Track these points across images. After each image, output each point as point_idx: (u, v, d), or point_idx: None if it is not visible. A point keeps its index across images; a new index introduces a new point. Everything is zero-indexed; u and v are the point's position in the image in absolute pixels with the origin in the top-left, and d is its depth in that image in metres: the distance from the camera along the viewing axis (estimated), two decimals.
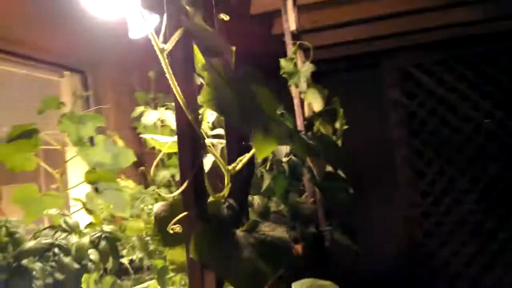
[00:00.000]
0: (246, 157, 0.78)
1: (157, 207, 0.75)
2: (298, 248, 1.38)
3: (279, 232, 0.70)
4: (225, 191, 0.77)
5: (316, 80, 1.66)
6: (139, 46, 1.21)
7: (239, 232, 0.69)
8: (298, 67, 1.54)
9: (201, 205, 0.67)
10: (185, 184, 0.66)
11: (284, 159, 1.40)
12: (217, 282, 0.65)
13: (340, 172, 1.79)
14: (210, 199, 0.79)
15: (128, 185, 1.68)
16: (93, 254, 0.96)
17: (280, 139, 0.60)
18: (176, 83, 0.60)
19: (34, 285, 0.92)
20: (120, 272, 1.04)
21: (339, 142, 1.78)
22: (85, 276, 0.90)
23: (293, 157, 1.39)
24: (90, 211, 1.29)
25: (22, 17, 1.61)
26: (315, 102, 1.72)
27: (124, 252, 1.20)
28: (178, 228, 0.64)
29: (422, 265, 3.05)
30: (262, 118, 0.58)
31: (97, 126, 1.60)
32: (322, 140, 1.64)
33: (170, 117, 1.56)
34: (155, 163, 1.55)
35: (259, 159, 0.63)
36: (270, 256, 0.65)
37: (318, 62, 1.62)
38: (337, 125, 1.73)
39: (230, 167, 0.76)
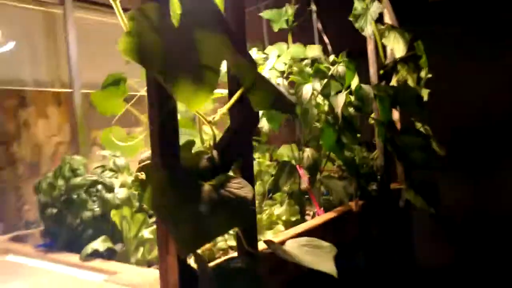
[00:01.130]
0: (224, 108, 0.75)
1: (144, 154, 0.78)
2: (352, 205, 1.30)
3: (244, 191, 0.67)
4: (207, 143, 0.76)
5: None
6: None
7: (207, 186, 0.68)
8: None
9: (167, 153, 0.67)
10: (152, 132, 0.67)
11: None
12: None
13: (423, 128, 1.61)
14: (195, 150, 0.79)
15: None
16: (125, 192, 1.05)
17: (213, 89, 0.56)
18: None
19: (81, 216, 1.06)
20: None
21: (425, 94, 1.58)
22: (113, 211, 1.00)
23: (349, 109, 1.29)
24: None
25: None
26: (396, 47, 1.54)
27: None
28: (142, 175, 0.66)
29: None
30: (194, 68, 0.55)
31: None
32: (401, 91, 1.50)
33: None
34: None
35: (192, 111, 0.59)
36: (224, 214, 0.64)
37: None
38: (422, 74, 1.53)
39: (210, 118, 0.74)
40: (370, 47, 1.50)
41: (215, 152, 0.75)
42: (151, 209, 0.63)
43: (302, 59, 1.59)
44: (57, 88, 1.81)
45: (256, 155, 1.67)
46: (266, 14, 1.80)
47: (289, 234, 1.02)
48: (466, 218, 2.61)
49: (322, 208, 1.33)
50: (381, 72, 1.51)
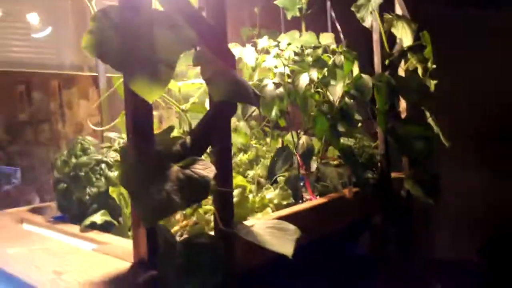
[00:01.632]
0: (195, 97, 0.81)
1: None
2: (345, 191, 1.34)
3: (207, 171, 0.73)
4: (182, 129, 0.83)
5: None
6: None
7: (175, 167, 0.75)
8: None
9: (139, 136, 0.74)
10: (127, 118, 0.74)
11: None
12: None
13: (430, 119, 1.61)
14: (173, 135, 0.87)
15: None
16: None
17: (167, 83, 0.62)
18: None
19: (88, 192, 1.16)
20: None
21: (431, 84, 1.57)
22: (111, 188, 1.09)
23: (346, 99, 1.32)
24: None
25: None
26: (404, 37, 1.54)
27: None
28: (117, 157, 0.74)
29: None
30: (149, 63, 0.62)
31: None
32: (404, 80, 1.51)
33: (247, 55, 1.61)
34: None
35: (151, 102, 0.66)
36: (186, 192, 0.71)
37: None
38: (429, 64, 1.52)
39: (183, 107, 0.81)
40: (375, 37, 1.50)
41: (188, 138, 0.82)
42: (121, 185, 0.71)
43: (316, 47, 1.62)
44: (86, 72, 1.95)
45: (267, 140, 1.73)
46: (280, 2, 1.83)
47: (272, 217, 1.08)
48: (488, 212, 2.57)
49: (317, 194, 1.38)
50: (387, 62, 1.52)
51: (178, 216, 0.98)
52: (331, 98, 1.28)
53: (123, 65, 0.60)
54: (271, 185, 1.35)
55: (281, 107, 1.33)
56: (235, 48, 1.72)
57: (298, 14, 1.82)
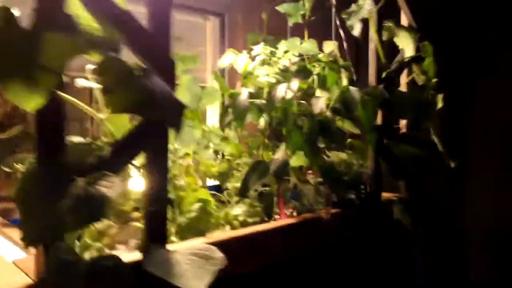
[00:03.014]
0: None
1: None
2: (323, 212, 1.23)
3: (110, 190, 0.67)
4: (98, 139, 0.77)
5: None
6: None
7: (80, 181, 0.69)
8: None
9: (45, 147, 0.69)
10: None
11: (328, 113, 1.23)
12: None
13: (434, 138, 1.46)
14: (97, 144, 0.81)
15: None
16: None
17: (48, 90, 0.56)
18: None
19: None
20: None
21: (438, 100, 1.42)
22: None
23: (328, 113, 1.21)
24: None
25: None
26: (406, 47, 1.41)
27: None
28: (19, 167, 0.69)
29: None
30: (27, 68, 0.56)
31: (187, 67, 1.73)
32: (403, 95, 1.38)
33: (240, 62, 1.54)
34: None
35: (29, 110, 0.60)
36: (82, 211, 0.64)
37: None
38: (429, 77, 1.38)
39: (101, 115, 0.75)
40: (371, 47, 1.39)
41: (107, 149, 0.76)
42: (14, 199, 0.66)
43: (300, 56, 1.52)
44: None
45: (260, 151, 1.65)
46: (281, 7, 1.75)
47: (222, 237, 1.00)
48: None
49: (294, 212, 1.28)
50: (384, 74, 1.40)
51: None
52: (314, 111, 1.18)
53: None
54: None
55: (256, 118, 1.25)
56: (228, 55, 1.65)
57: (300, 20, 1.72)
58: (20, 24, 0.58)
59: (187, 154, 1.56)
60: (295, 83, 1.23)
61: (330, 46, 1.57)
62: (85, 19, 0.69)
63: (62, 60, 0.58)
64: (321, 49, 1.54)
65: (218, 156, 1.45)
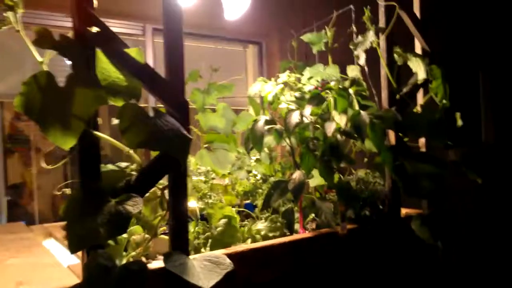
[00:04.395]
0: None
1: None
2: (338, 228, 1.34)
3: (134, 208, 0.85)
4: (131, 167, 0.95)
5: None
6: None
7: (112, 202, 0.87)
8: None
9: (85, 177, 0.88)
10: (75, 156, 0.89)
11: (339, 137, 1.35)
12: None
13: (450, 153, 1.53)
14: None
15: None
16: None
17: (78, 134, 0.75)
18: None
19: None
20: None
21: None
22: None
23: (338, 136, 1.33)
24: None
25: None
26: (419, 70, 1.50)
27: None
28: (68, 191, 0.88)
29: None
30: (63, 117, 0.75)
31: (222, 95, 1.92)
32: (416, 116, 1.47)
33: (266, 89, 1.69)
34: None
35: (66, 149, 0.78)
36: (112, 225, 0.82)
37: None
38: (438, 99, 1.46)
39: (128, 149, 0.93)
40: (383, 72, 1.49)
41: (134, 176, 0.94)
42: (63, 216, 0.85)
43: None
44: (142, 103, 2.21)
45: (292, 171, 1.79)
46: (305, 37, 1.89)
47: (241, 248, 1.14)
48: None
49: (313, 228, 1.40)
50: (398, 96, 1.49)
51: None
52: (327, 134, 1.30)
53: (42, 120, 0.74)
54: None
55: (277, 142, 1.39)
56: (257, 83, 1.82)
57: (324, 48, 1.86)
58: (58, 84, 0.78)
59: (223, 175, 1.74)
60: (308, 109, 1.36)
61: (353, 70, 1.69)
62: (112, 72, 0.88)
63: (89, 109, 0.78)
64: (345, 73, 1.66)
65: (251, 176, 1.59)
